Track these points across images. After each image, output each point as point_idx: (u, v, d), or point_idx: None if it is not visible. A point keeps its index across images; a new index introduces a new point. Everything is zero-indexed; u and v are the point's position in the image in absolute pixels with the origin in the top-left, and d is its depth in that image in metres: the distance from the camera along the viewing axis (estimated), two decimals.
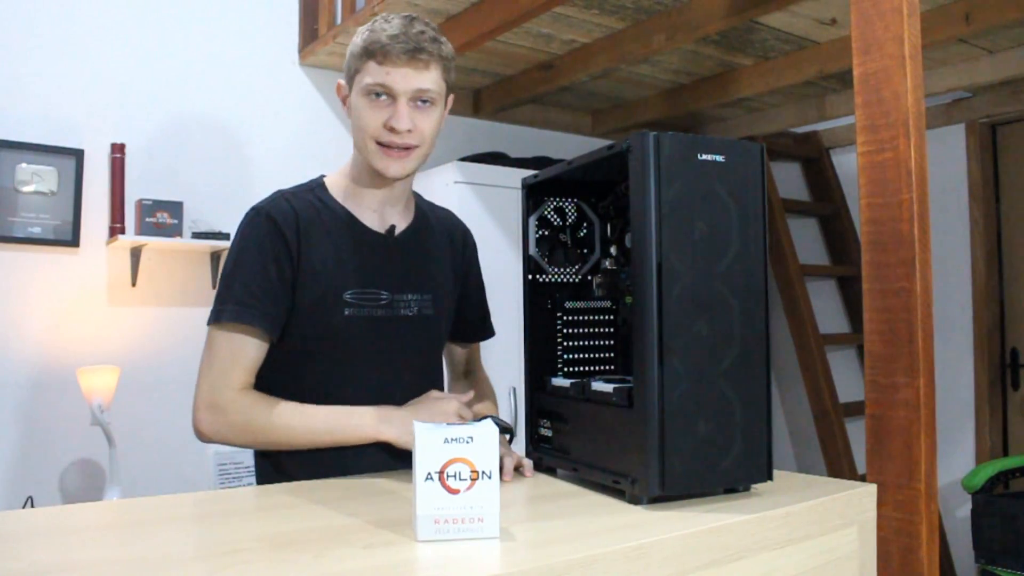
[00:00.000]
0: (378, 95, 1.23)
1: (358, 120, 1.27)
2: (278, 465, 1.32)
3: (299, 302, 1.26)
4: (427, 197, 1.51)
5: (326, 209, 1.31)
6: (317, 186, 1.35)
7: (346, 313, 1.27)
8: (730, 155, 1.01)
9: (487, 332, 1.55)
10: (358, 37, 1.26)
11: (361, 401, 1.29)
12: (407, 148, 1.26)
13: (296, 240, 1.26)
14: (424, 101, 1.25)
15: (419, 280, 1.35)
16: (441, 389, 1.45)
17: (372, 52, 1.22)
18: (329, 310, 1.27)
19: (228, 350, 1.23)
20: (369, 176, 1.32)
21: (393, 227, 1.34)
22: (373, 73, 1.22)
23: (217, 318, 1.23)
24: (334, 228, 1.30)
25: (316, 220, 1.29)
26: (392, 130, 1.23)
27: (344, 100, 1.32)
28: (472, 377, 1.56)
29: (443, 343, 1.44)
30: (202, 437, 1.24)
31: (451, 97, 1.33)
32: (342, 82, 1.32)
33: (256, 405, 1.22)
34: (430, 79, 1.24)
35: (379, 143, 1.25)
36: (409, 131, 1.24)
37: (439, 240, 1.42)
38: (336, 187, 1.35)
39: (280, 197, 1.31)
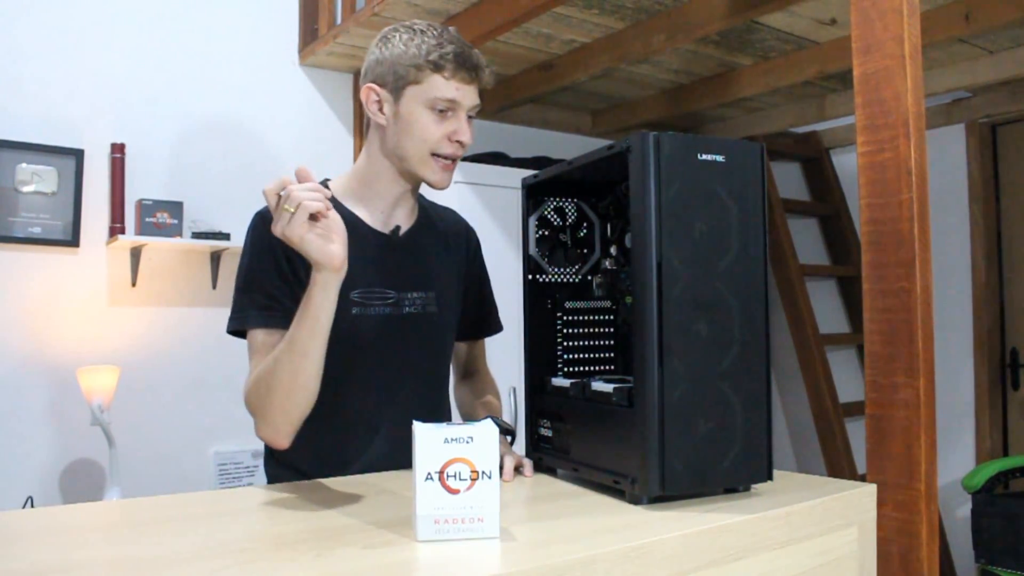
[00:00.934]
0: (442, 110, 1.26)
1: (416, 131, 1.27)
2: (283, 459, 1.33)
3: None
4: (427, 197, 1.51)
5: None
6: None
7: (353, 312, 1.28)
8: (730, 155, 1.01)
9: (490, 328, 1.54)
10: (412, 46, 1.25)
11: (368, 397, 1.31)
12: (455, 159, 1.30)
13: None
14: (471, 116, 1.30)
15: (423, 278, 1.36)
16: (447, 387, 1.45)
17: (440, 66, 1.24)
18: (337, 310, 1.27)
19: (257, 352, 1.23)
20: (389, 180, 1.33)
21: (398, 227, 1.35)
22: (441, 88, 1.24)
23: (243, 324, 1.24)
24: None
25: None
26: (458, 143, 1.27)
27: (379, 106, 1.29)
28: (476, 377, 1.56)
29: (449, 340, 1.44)
30: (265, 442, 1.19)
31: None
32: (376, 87, 1.29)
33: (253, 374, 1.18)
34: (479, 95, 1.29)
35: (438, 155, 1.28)
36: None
37: (442, 238, 1.43)
38: (341, 190, 1.35)
39: None
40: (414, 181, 1.34)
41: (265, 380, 1.13)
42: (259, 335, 1.23)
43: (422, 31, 1.27)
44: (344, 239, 1.06)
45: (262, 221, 1.29)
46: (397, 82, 1.27)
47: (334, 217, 1.05)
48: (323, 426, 1.30)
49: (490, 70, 1.30)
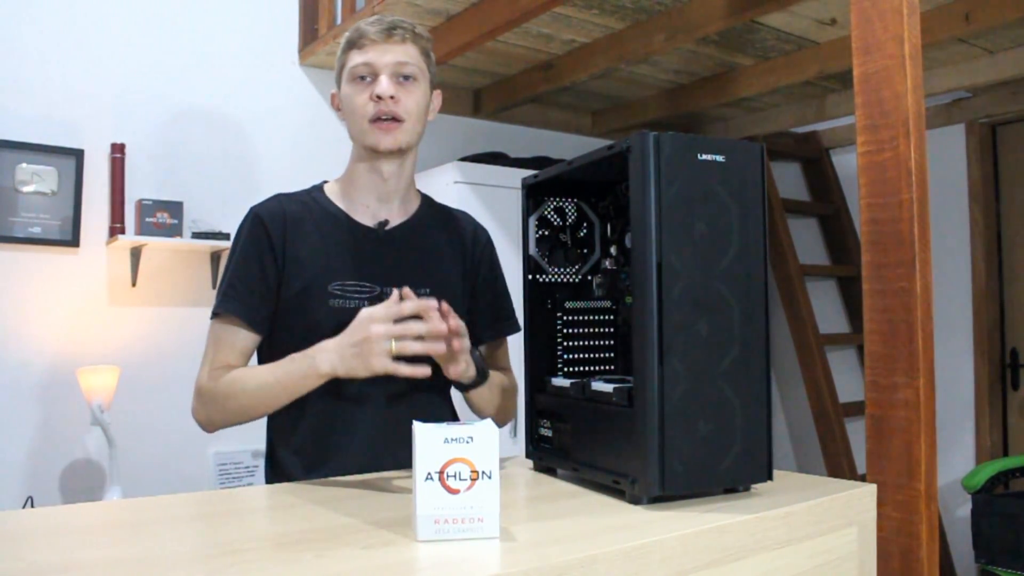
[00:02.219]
0: (362, 77, 1.29)
1: (348, 106, 1.31)
2: (278, 465, 1.33)
3: (285, 294, 1.29)
4: (441, 201, 1.50)
5: (317, 206, 1.35)
6: (314, 188, 1.40)
7: (331, 304, 1.29)
8: (730, 155, 1.00)
9: (503, 329, 1.50)
10: (343, 39, 1.34)
11: (353, 395, 1.30)
12: (395, 120, 1.29)
13: (281, 235, 1.30)
14: (406, 77, 1.29)
15: (413, 274, 1.34)
16: (440, 384, 1.40)
17: (352, 42, 1.30)
18: (314, 301, 1.29)
19: (213, 338, 1.31)
20: (364, 171, 1.35)
21: (385, 222, 1.35)
22: (354, 59, 1.30)
23: (221, 308, 1.31)
24: (323, 223, 1.33)
25: (305, 216, 1.33)
26: (378, 99, 1.27)
27: (338, 108, 1.37)
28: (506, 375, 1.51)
29: None
30: (197, 422, 1.30)
31: (438, 92, 1.38)
32: (335, 91, 1.37)
33: (219, 377, 1.26)
34: (407, 53, 1.29)
35: (369, 120, 1.29)
36: (393, 98, 1.27)
37: (443, 236, 1.41)
38: (332, 189, 1.39)
39: (273, 197, 1.37)
40: (383, 165, 1.33)
41: (230, 392, 1.24)
42: (217, 320, 1.30)
43: (363, 20, 1.32)
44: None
45: (247, 216, 1.33)
46: (337, 74, 1.36)
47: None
48: (305, 419, 1.30)
49: (415, 31, 1.31)
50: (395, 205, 1.37)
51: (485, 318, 1.48)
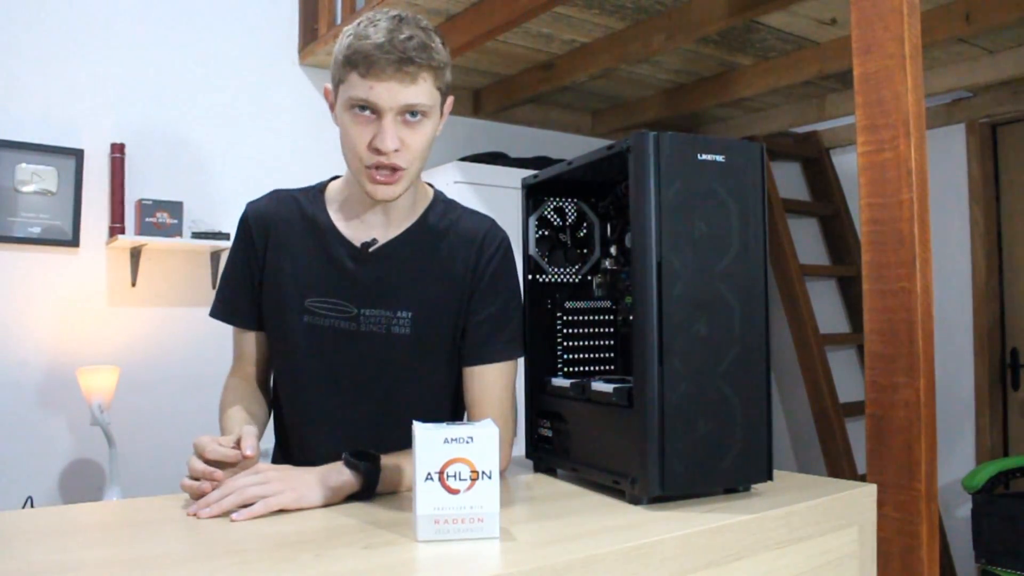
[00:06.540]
0: (362, 109, 1.11)
1: (344, 136, 1.16)
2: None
3: (265, 302, 1.27)
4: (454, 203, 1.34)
5: (309, 212, 1.26)
6: (315, 189, 1.30)
7: (305, 320, 1.23)
8: (730, 155, 1.01)
9: (479, 356, 1.24)
10: (343, 40, 1.12)
11: (313, 413, 1.26)
12: (395, 170, 1.14)
13: (263, 241, 1.26)
14: (414, 115, 1.12)
15: (396, 297, 1.22)
16: (417, 415, 1.11)
17: (355, 62, 1.09)
18: (289, 314, 1.24)
19: (233, 342, 1.35)
20: (359, 189, 1.21)
21: (374, 240, 1.23)
22: (356, 86, 1.10)
23: (213, 313, 1.33)
24: (309, 234, 1.24)
25: (291, 223, 1.26)
26: (377, 151, 1.12)
27: (332, 107, 1.20)
28: (472, 413, 1.26)
29: (426, 365, 1.25)
30: None
31: (450, 100, 1.20)
32: (329, 87, 1.20)
33: (223, 398, 1.29)
34: (419, 92, 1.10)
35: (365, 165, 1.14)
36: (396, 151, 1.12)
37: (437, 253, 1.25)
38: (333, 193, 1.29)
39: (265, 196, 1.32)
40: None
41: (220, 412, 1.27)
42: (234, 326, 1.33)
43: (367, 22, 1.11)
44: (283, 477, 1.00)
45: (243, 222, 1.30)
46: (333, 80, 1.17)
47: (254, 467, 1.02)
48: (283, 428, 1.32)
49: (431, 63, 1.10)
50: (386, 220, 1.25)
51: (470, 338, 1.25)
